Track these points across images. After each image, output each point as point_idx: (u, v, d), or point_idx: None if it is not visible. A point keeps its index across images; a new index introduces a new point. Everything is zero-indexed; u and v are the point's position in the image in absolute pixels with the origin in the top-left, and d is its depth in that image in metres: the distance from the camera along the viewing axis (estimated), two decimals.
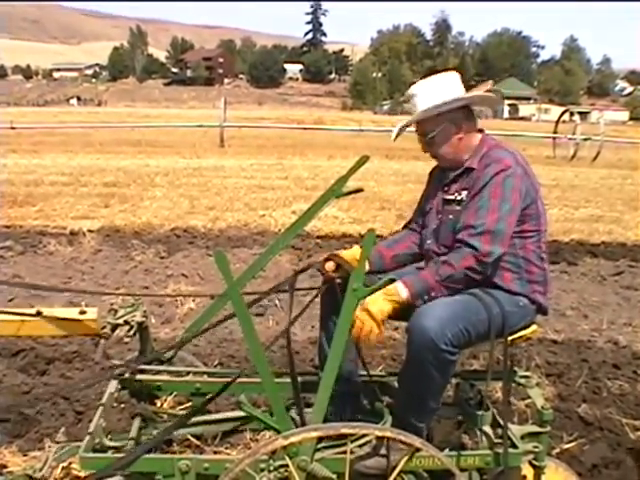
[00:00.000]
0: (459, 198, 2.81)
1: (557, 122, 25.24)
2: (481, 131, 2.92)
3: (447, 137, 2.83)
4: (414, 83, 2.93)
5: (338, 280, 2.76)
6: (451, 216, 2.81)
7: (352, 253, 2.95)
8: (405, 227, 3.20)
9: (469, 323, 2.53)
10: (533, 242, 2.77)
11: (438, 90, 2.80)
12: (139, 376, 3.07)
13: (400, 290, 2.56)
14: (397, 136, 2.98)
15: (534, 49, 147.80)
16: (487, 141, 2.86)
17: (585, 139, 22.62)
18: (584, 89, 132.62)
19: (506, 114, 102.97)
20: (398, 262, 3.01)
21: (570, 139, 22.83)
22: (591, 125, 32.14)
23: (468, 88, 3.11)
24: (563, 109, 28.97)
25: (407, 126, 2.92)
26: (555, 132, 24.13)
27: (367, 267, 2.76)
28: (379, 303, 2.54)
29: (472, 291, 2.66)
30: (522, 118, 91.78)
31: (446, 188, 2.91)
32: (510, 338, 2.72)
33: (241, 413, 2.98)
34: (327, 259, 2.85)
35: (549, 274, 2.89)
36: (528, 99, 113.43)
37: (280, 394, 2.52)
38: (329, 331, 2.77)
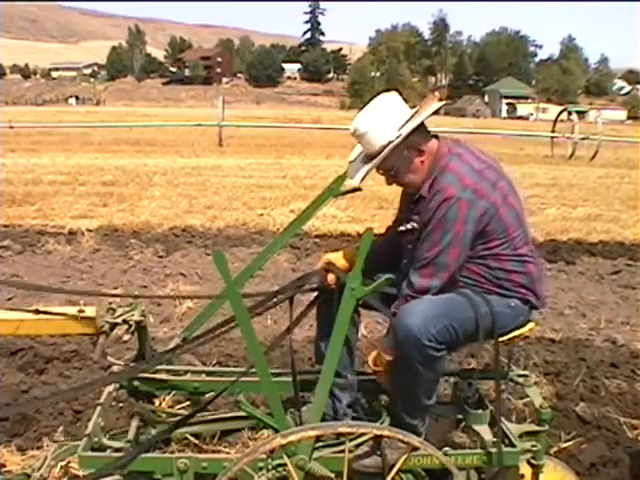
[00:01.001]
0: (409, 227, 2.79)
1: (555, 121, 25.24)
2: (436, 137, 2.80)
3: (410, 164, 2.73)
4: (357, 115, 2.77)
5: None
6: (410, 246, 2.78)
7: (348, 257, 2.93)
8: (390, 227, 3.18)
9: (455, 320, 2.53)
10: (506, 253, 2.70)
11: (385, 121, 2.68)
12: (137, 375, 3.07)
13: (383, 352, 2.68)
14: (362, 180, 2.81)
15: (532, 48, 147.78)
16: (441, 159, 2.70)
17: (583, 138, 22.62)
18: (582, 88, 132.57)
19: (504, 113, 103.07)
20: (393, 265, 2.97)
21: (568, 138, 22.84)
22: (589, 124, 32.19)
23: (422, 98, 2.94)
24: (561, 108, 28.95)
25: (372, 169, 2.75)
26: (553, 131, 24.14)
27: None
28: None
29: (461, 291, 2.67)
30: (520, 117, 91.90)
31: (406, 212, 2.88)
32: (505, 338, 2.72)
33: (240, 412, 2.99)
34: (326, 270, 2.85)
35: (539, 270, 2.83)
36: (526, 98, 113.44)
37: (278, 393, 2.53)
38: (326, 331, 2.77)
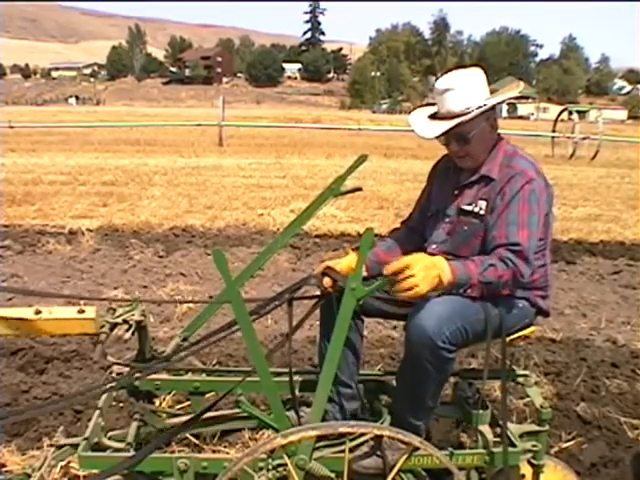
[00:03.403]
0: (476, 210, 2.73)
1: (556, 121, 25.25)
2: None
3: (483, 136, 2.75)
4: (443, 75, 2.79)
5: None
6: (466, 227, 2.75)
7: (348, 262, 2.91)
8: (404, 223, 3.18)
9: (467, 322, 2.52)
10: (539, 250, 2.73)
11: (475, 86, 2.72)
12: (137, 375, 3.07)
13: (446, 272, 2.43)
14: (437, 136, 2.76)
15: (532, 48, 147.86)
16: (502, 145, 2.80)
17: (584, 138, 22.63)
18: (583, 88, 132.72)
19: (505, 113, 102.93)
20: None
21: (569, 138, 22.84)
22: (590, 124, 32.17)
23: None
24: (562, 108, 28.94)
25: (455, 125, 2.68)
26: (554, 131, 24.14)
27: (365, 272, 2.75)
28: (433, 274, 2.39)
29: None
30: (521, 117, 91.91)
31: (458, 193, 2.83)
32: (509, 338, 2.73)
33: (240, 412, 2.98)
34: (324, 274, 2.84)
35: (552, 275, 2.87)
36: (527, 98, 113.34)
37: (278, 393, 2.52)
38: (329, 333, 2.76)
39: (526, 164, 2.69)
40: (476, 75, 2.76)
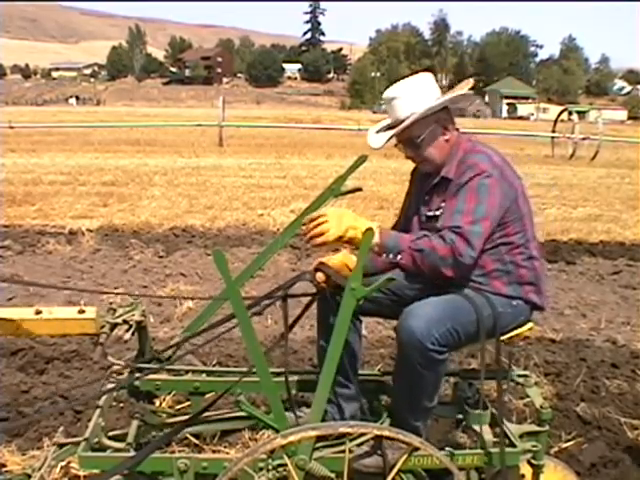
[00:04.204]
0: (438, 214, 2.76)
1: (555, 121, 25.27)
2: (457, 130, 2.88)
3: (434, 139, 2.77)
4: (391, 85, 2.85)
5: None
6: (432, 232, 2.75)
7: (341, 258, 2.91)
8: (394, 228, 3.19)
9: (458, 323, 2.53)
10: (519, 244, 2.73)
11: (419, 92, 2.74)
12: (138, 375, 3.07)
13: (364, 227, 2.49)
14: (382, 145, 2.86)
15: (532, 48, 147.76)
16: (462, 144, 2.80)
17: (583, 138, 22.63)
18: (582, 88, 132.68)
19: (504, 113, 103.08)
20: (391, 264, 2.96)
21: (569, 138, 22.85)
22: (589, 124, 32.17)
23: (452, 86, 3.08)
24: (561, 108, 28.96)
25: (396, 133, 2.79)
26: (554, 131, 24.15)
27: None
28: (352, 223, 2.54)
29: (464, 292, 2.66)
30: (520, 117, 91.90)
31: (427, 199, 2.86)
32: (504, 337, 2.73)
33: (240, 412, 2.98)
34: (316, 269, 2.83)
35: (543, 269, 2.85)
36: (526, 98, 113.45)
37: (278, 393, 2.52)
38: (327, 332, 2.76)
39: (481, 158, 2.68)
40: (422, 81, 2.81)
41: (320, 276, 2.78)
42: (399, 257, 2.57)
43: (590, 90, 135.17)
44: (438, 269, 2.54)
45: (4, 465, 3.26)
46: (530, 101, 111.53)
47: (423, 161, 2.86)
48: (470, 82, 2.88)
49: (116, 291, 6.06)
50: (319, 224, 2.52)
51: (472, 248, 2.54)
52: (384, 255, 2.58)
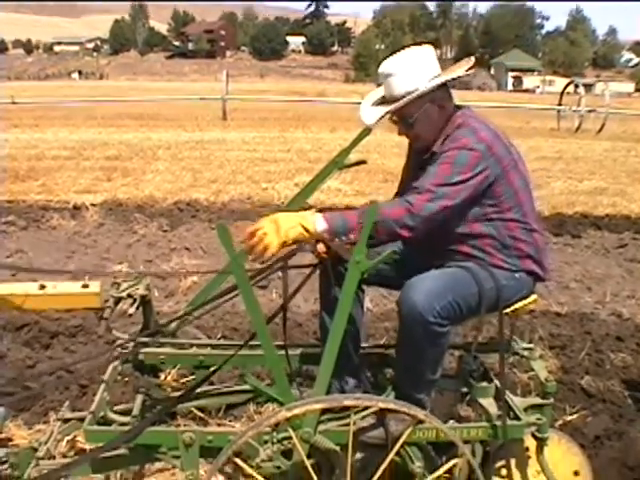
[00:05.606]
0: None
1: (562, 94, 25.00)
2: (455, 106, 2.80)
3: (428, 118, 2.70)
4: (388, 57, 2.76)
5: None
6: None
7: None
8: (396, 195, 3.15)
9: (459, 296, 2.52)
10: (516, 219, 2.69)
11: (416, 68, 2.66)
12: (142, 349, 3.08)
13: (317, 222, 2.49)
14: (376, 122, 2.79)
15: (539, 20, 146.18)
16: (455, 119, 2.72)
17: (590, 111, 22.45)
18: (589, 60, 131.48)
19: (510, 86, 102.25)
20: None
21: (574, 111, 22.66)
22: (596, 97, 31.93)
23: (454, 62, 2.98)
24: (568, 81, 28.69)
25: (389, 112, 2.72)
26: (559, 104, 23.94)
27: None
28: (290, 224, 2.49)
29: (466, 265, 2.65)
30: (526, 90, 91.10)
31: (419, 174, 2.75)
32: (508, 310, 2.72)
33: (245, 386, 2.99)
34: (318, 240, 2.80)
35: (543, 241, 2.82)
36: (532, 71, 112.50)
37: (283, 366, 2.52)
38: (329, 304, 2.76)
39: (465, 132, 2.62)
40: (421, 56, 2.71)
41: (321, 247, 2.75)
42: (352, 236, 2.49)
43: (597, 62, 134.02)
44: (394, 232, 2.51)
45: (11, 439, 3.28)
46: (536, 74, 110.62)
47: (415, 138, 2.82)
48: (471, 61, 2.80)
49: (117, 270, 6.06)
50: (259, 239, 2.45)
51: (434, 205, 2.50)
52: (336, 239, 2.52)
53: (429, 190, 2.51)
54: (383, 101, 2.80)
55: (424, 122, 2.71)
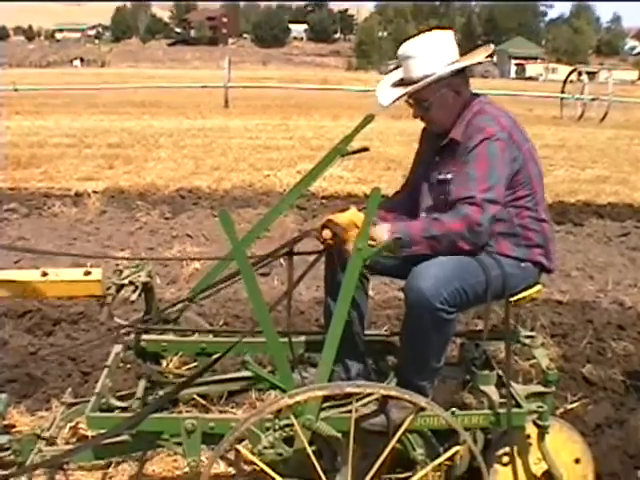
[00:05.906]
0: (448, 177, 2.72)
1: (565, 82, 24.90)
2: (471, 93, 2.81)
3: (444, 103, 2.72)
4: (408, 40, 2.76)
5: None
6: (442, 196, 2.73)
7: (349, 216, 2.86)
8: (403, 188, 3.15)
9: (466, 283, 2.52)
10: (528, 207, 2.70)
11: (436, 53, 2.67)
12: (144, 336, 3.08)
13: (382, 234, 2.51)
14: (392, 103, 2.80)
15: (542, 7, 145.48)
16: (473, 106, 2.74)
17: (593, 99, 22.36)
18: (593, 48, 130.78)
19: (513, 74, 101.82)
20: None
21: (578, 99, 22.57)
22: (599, 85, 31.78)
23: (471, 49, 2.98)
24: (571, 68, 28.55)
25: (405, 94, 2.73)
26: (563, 92, 23.84)
27: None
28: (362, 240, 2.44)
29: (473, 253, 2.63)
30: (529, 78, 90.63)
31: (437, 160, 2.82)
32: (512, 299, 2.72)
33: (247, 373, 3.00)
34: (323, 226, 2.79)
35: (551, 232, 2.82)
36: (535, 59, 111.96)
37: (285, 354, 2.52)
38: (334, 291, 2.75)
39: (487, 120, 2.64)
40: (441, 40, 2.72)
41: (327, 233, 2.74)
42: (414, 248, 2.53)
43: (600, 50, 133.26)
44: (456, 245, 2.53)
45: (14, 425, 3.30)
46: (539, 61, 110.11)
47: (430, 122, 2.84)
48: (490, 48, 2.82)
49: (121, 255, 6.06)
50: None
51: (488, 216, 2.52)
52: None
53: (479, 202, 2.51)
54: (401, 83, 2.80)
55: (439, 107, 2.73)
